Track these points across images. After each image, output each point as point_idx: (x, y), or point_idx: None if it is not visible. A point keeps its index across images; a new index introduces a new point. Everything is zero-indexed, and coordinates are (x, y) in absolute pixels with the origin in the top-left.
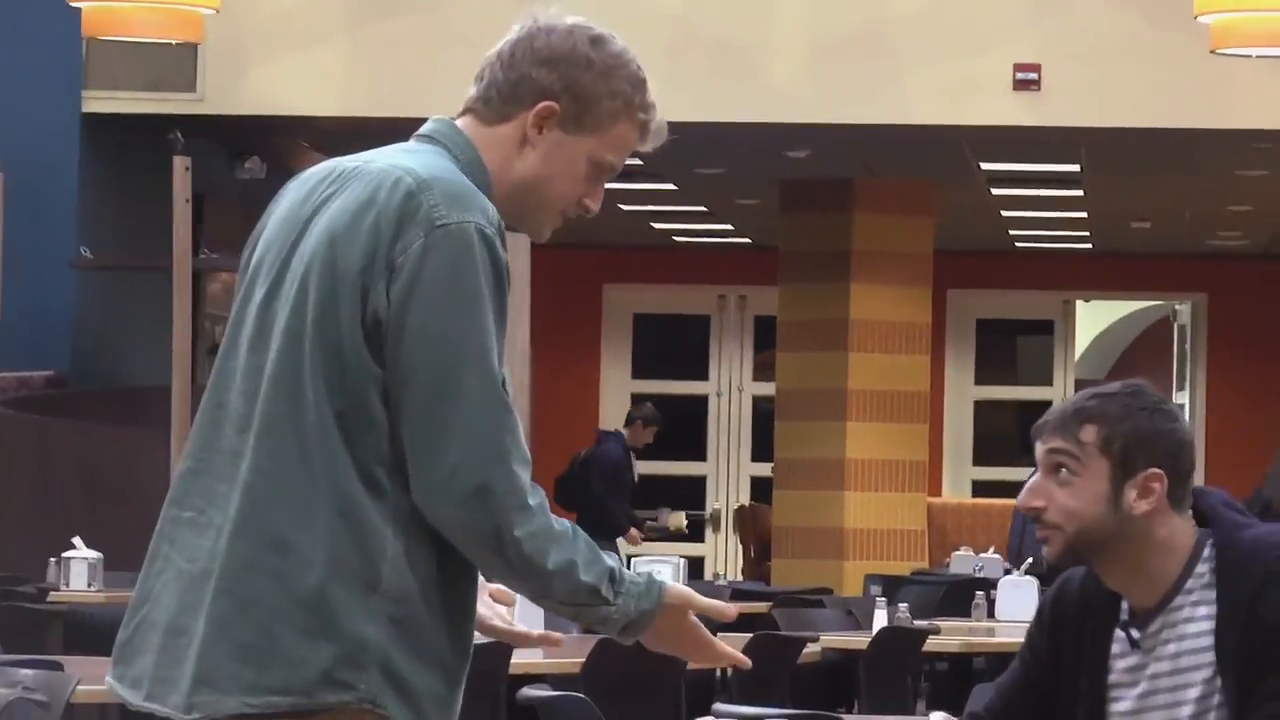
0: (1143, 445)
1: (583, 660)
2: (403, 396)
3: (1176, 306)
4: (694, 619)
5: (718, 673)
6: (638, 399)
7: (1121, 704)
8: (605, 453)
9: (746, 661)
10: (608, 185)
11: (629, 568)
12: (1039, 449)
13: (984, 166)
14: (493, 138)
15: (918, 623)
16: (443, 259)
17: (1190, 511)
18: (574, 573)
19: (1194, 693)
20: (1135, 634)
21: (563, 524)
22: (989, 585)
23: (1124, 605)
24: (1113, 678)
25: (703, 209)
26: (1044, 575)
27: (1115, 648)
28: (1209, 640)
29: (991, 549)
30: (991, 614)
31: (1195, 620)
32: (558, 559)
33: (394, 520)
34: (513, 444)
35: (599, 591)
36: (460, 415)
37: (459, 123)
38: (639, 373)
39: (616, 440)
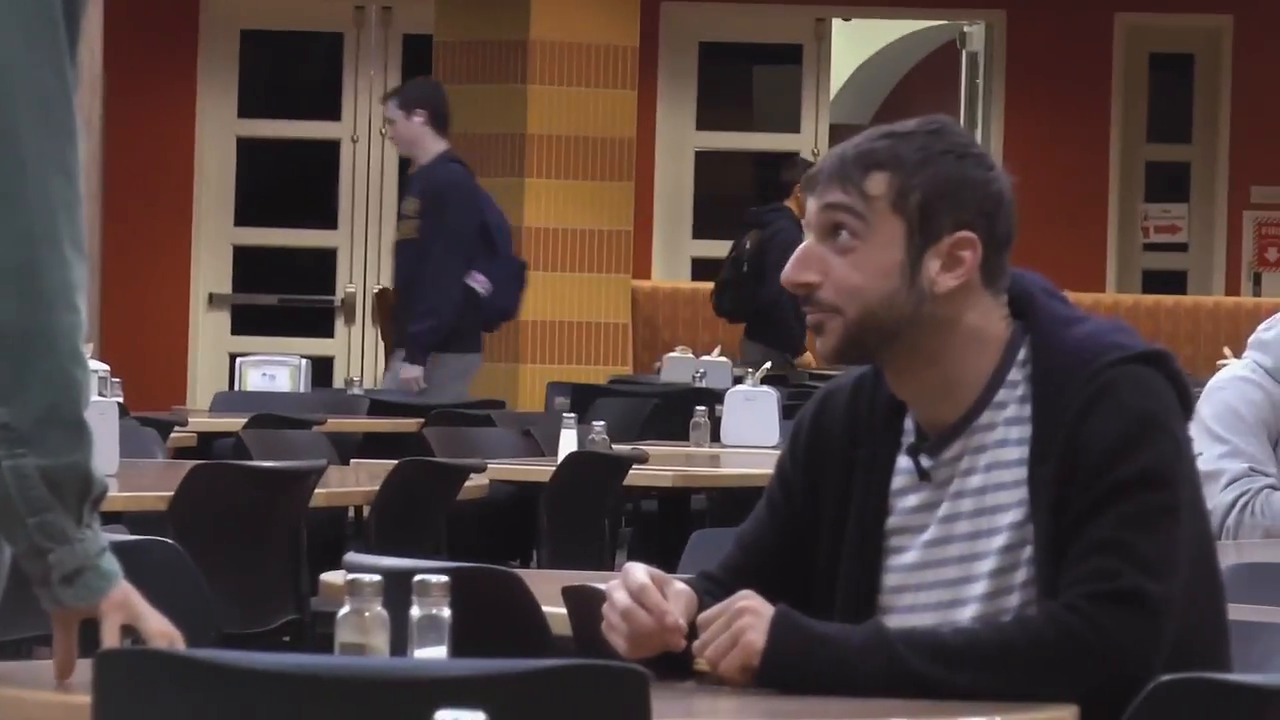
0: (949, 200)
1: (169, 495)
2: None
3: (965, 28)
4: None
5: (350, 513)
6: (248, 143)
7: (905, 556)
8: (781, 233)
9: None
10: None
11: None
12: (810, 205)
13: None
14: None
15: (617, 447)
16: None
17: (1005, 296)
18: (85, 438)
19: (999, 540)
20: (925, 462)
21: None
22: (713, 398)
23: (909, 424)
24: (893, 520)
25: None
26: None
27: (897, 481)
28: (1023, 472)
29: (717, 350)
30: (717, 437)
31: (1007, 445)
32: (83, 400)
33: None
34: (68, 223)
35: (88, 501)
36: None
37: None
38: (248, 109)
39: (788, 217)
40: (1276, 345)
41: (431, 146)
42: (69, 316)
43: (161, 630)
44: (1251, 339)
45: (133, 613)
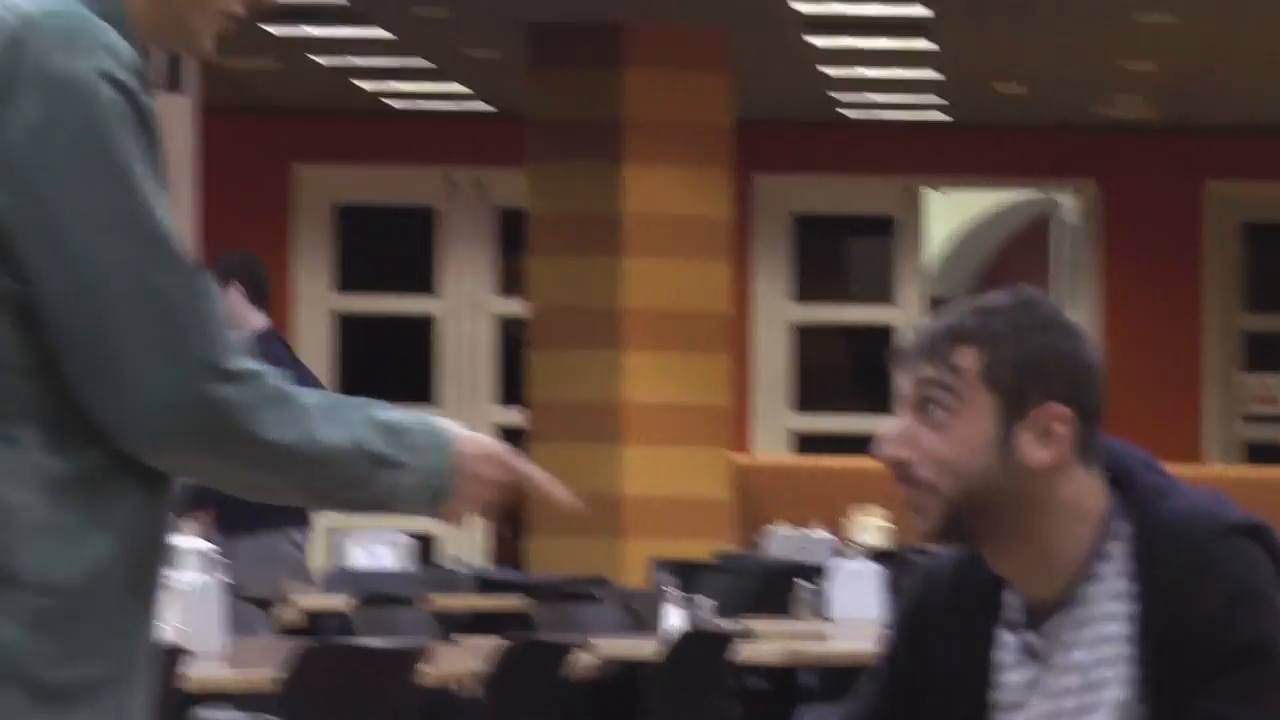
0: (1040, 373)
1: (279, 675)
2: (66, 318)
3: (1058, 198)
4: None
5: (457, 690)
6: (345, 319)
7: None
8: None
9: (579, 504)
10: (296, 32)
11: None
12: (902, 381)
13: (798, 7)
14: None
15: (723, 623)
16: (72, 126)
17: (1101, 468)
18: (351, 442)
19: (1103, 716)
20: (1028, 637)
21: (297, 390)
22: (816, 573)
23: (1010, 598)
24: (997, 696)
25: (424, 63)
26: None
27: (1001, 656)
28: (1125, 646)
29: (820, 524)
30: (822, 611)
31: (1109, 619)
32: (334, 435)
33: (32, 483)
34: (221, 330)
35: (384, 454)
36: (150, 320)
37: None
38: (343, 283)
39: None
40: None
41: (251, 320)
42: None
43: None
44: None
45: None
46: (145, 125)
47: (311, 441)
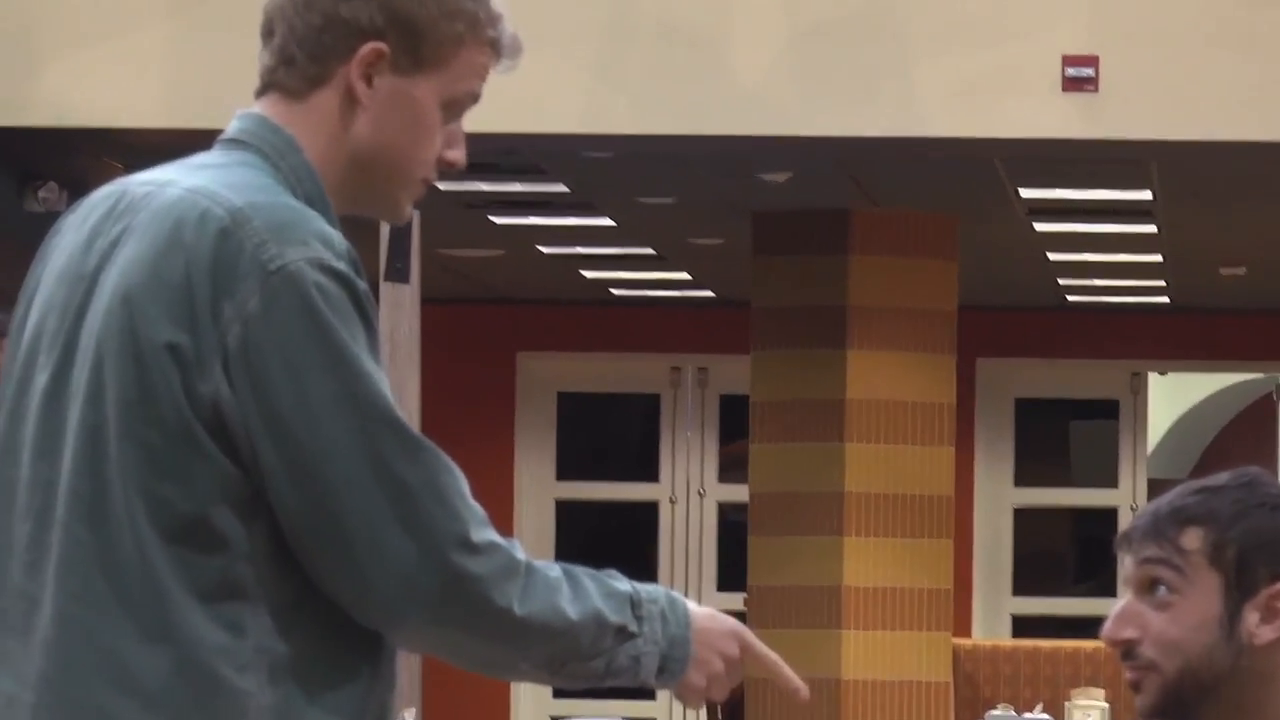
0: (1265, 551)
1: None
2: (298, 507)
3: None
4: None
5: None
6: (567, 505)
7: None
8: None
9: (803, 688)
10: (522, 222)
11: None
12: (1128, 562)
13: (1024, 193)
14: (309, 114)
15: None
16: (288, 314)
17: None
18: (592, 614)
19: None
20: None
21: (539, 562)
22: None
23: None
24: None
25: (649, 252)
26: None
27: None
28: None
29: (1039, 708)
30: None
31: None
32: (576, 607)
33: (260, 669)
34: (460, 498)
35: (624, 626)
36: (384, 498)
37: (263, 109)
38: (566, 470)
39: None
40: None
41: None
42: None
43: (766, 653)
44: None
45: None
46: (362, 311)
47: (555, 612)
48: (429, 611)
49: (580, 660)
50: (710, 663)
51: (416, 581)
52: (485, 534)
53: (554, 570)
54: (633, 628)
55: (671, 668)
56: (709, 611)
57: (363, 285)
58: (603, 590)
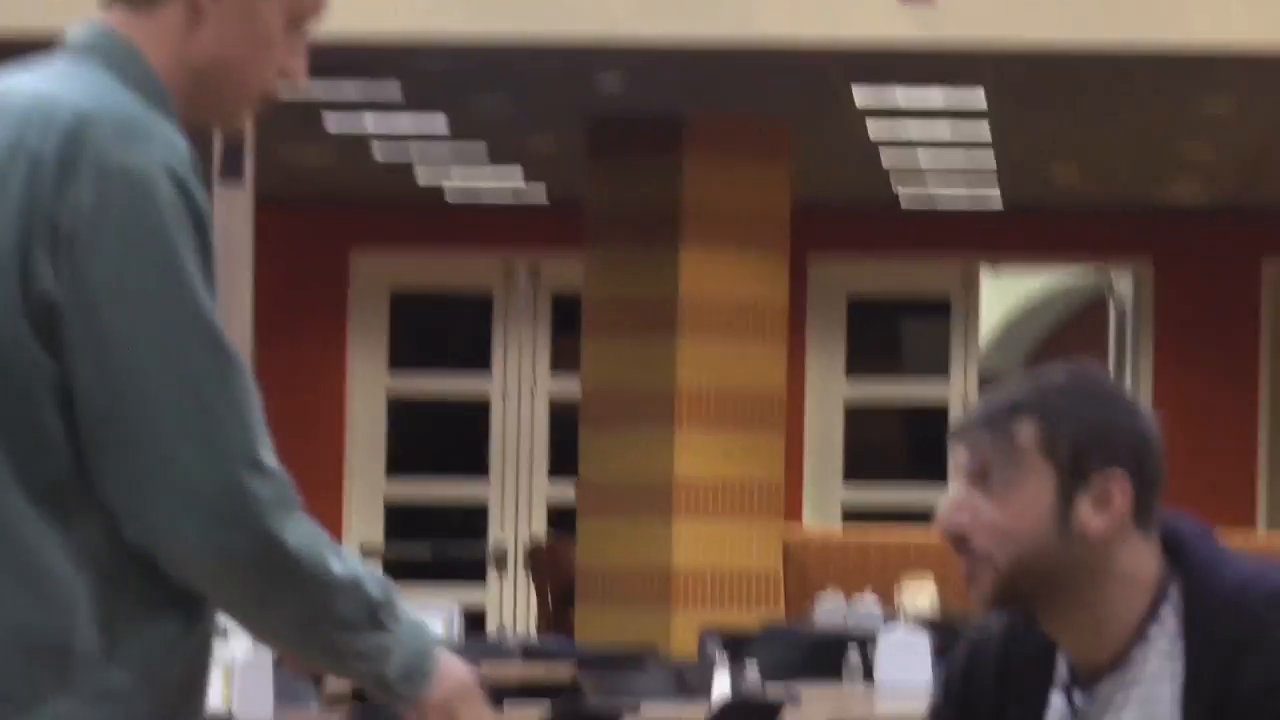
0: (1098, 443)
1: None
2: (95, 395)
3: (1113, 277)
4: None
5: None
6: (399, 399)
7: None
8: None
9: None
10: (356, 122)
11: None
12: (961, 454)
13: (857, 96)
14: (154, 24)
15: (771, 690)
16: (124, 212)
17: (1156, 537)
18: (354, 578)
19: None
20: (1078, 700)
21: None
22: (865, 641)
23: (1061, 663)
24: None
25: (483, 153)
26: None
27: (1051, 719)
28: (1176, 711)
29: (869, 593)
30: (869, 677)
31: (1159, 684)
32: (340, 565)
33: (90, 566)
34: (256, 419)
35: (380, 609)
36: (182, 402)
37: (108, 18)
38: (399, 365)
39: None
40: None
41: None
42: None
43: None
44: None
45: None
46: (198, 222)
47: (321, 560)
48: (206, 528)
49: (332, 626)
50: (445, 692)
51: (199, 492)
52: (273, 460)
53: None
54: (386, 616)
55: (416, 678)
56: (454, 658)
57: (202, 198)
58: (366, 570)
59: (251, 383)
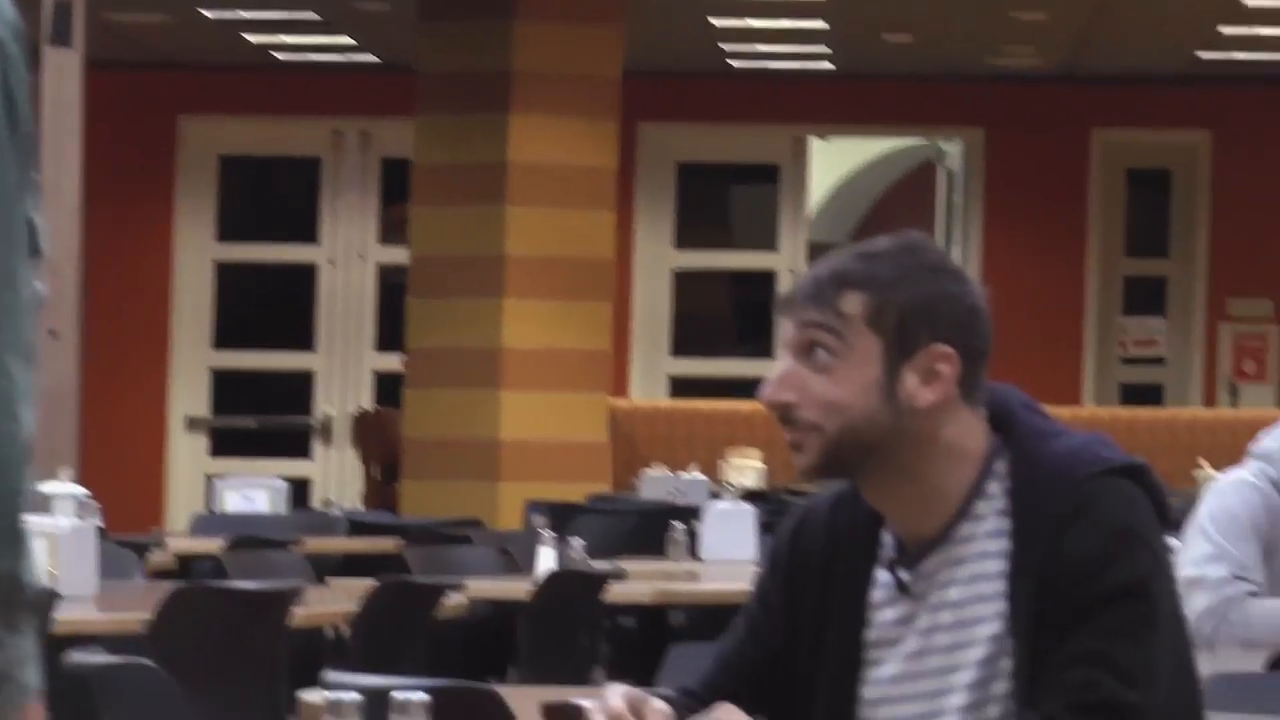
0: (925, 315)
1: (149, 617)
2: None
3: (944, 146)
4: None
5: (329, 632)
6: (226, 268)
7: (884, 668)
8: None
9: None
10: None
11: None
12: (788, 326)
13: None
14: None
15: (596, 564)
16: None
17: (983, 409)
18: (17, 544)
19: (978, 652)
20: (904, 575)
21: None
22: (690, 515)
23: (887, 537)
24: (872, 634)
25: (312, 16)
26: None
27: (876, 594)
28: (1002, 584)
29: (694, 467)
30: (694, 553)
31: (986, 558)
32: (18, 507)
33: None
34: (9, 330)
35: (17, 588)
36: None
37: None
38: (226, 233)
39: None
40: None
41: None
42: (6, 425)
43: None
44: (1255, 447)
45: None
46: (5, 91)
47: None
48: None
49: None
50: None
51: None
52: (20, 361)
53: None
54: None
55: (10, 687)
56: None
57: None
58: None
59: (39, 289)
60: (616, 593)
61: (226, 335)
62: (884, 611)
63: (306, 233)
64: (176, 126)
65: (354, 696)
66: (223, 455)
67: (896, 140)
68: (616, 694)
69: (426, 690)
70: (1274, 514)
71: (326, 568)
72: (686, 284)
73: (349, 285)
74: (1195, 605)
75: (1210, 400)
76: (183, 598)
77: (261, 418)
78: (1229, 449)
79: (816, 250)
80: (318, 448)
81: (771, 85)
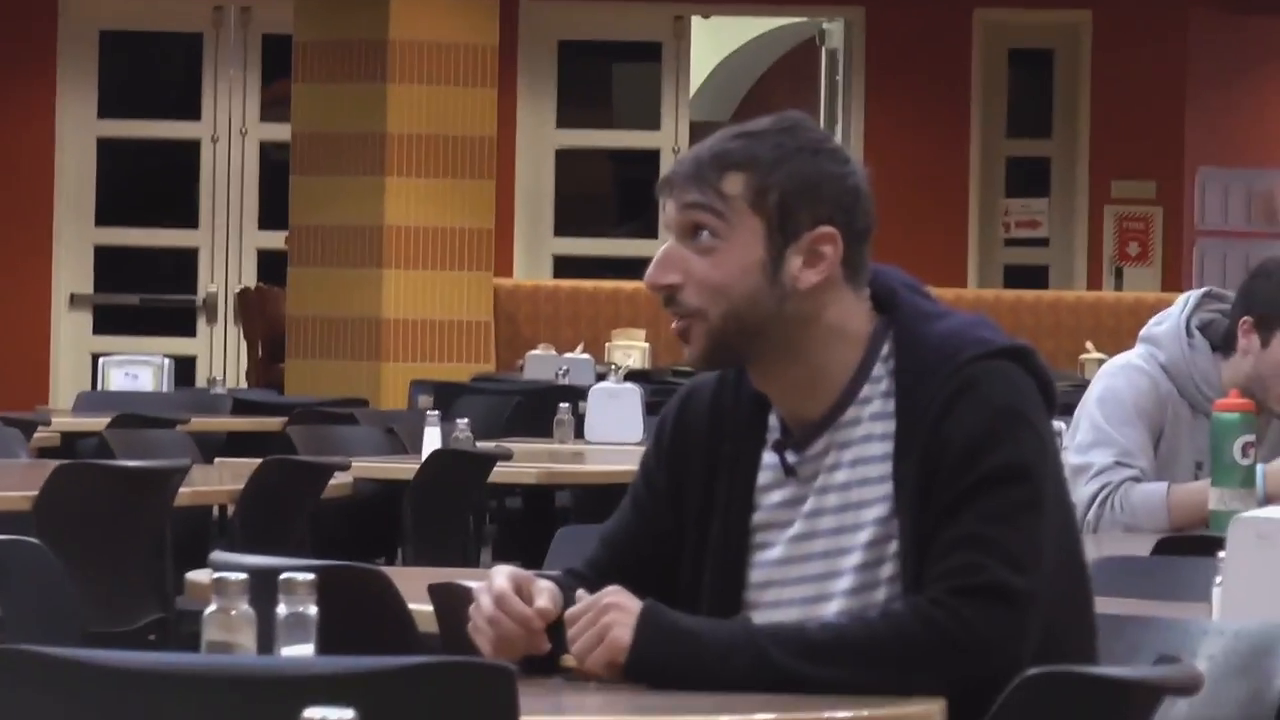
0: (807, 196)
1: (33, 494)
2: None
3: (825, 25)
4: None
5: (215, 512)
6: (108, 144)
7: (770, 551)
8: None
9: None
10: None
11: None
12: (670, 207)
13: None
14: None
15: (481, 444)
16: None
17: (868, 291)
18: None
19: (864, 535)
20: (790, 458)
21: None
22: (576, 395)
23: (773, 420)
24: (759, 517)
25: None
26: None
27: (763, 477)
28: (887, 467)
29: (580, 347)
30: (580, 433)
31: (871, 440)
32: None
33: None
34: None
35: None
36: None
37: None
38: (108, 109)
39: None
40: (1168, 339)
41: None
42: None
43: None
44: (1144, 332)
45: None
46: None
47: None
48: None
49: None
50: None
51: None
52: None
53: None
54: None
55: None
56: None
57: None
58: None
59: None
60: (502, 473)
61: (109, 212)
62: (771, 494)
63: (189, 110)
64: (57, 1)
65: (240, 576)
66: (107, 333)
67: (778, 19)
68: (503, 575)
69: (313, 570)
70: (1162, 398)
71: (211, 446)
72: (568, 162)
73: (232, 162)
74: (1081, 491)
75: (1095, 283)
76: (67, 475)
77: (145, 295)
78: (1113, 331)
79: (698, 129)
80: (202, 326)
81: None
